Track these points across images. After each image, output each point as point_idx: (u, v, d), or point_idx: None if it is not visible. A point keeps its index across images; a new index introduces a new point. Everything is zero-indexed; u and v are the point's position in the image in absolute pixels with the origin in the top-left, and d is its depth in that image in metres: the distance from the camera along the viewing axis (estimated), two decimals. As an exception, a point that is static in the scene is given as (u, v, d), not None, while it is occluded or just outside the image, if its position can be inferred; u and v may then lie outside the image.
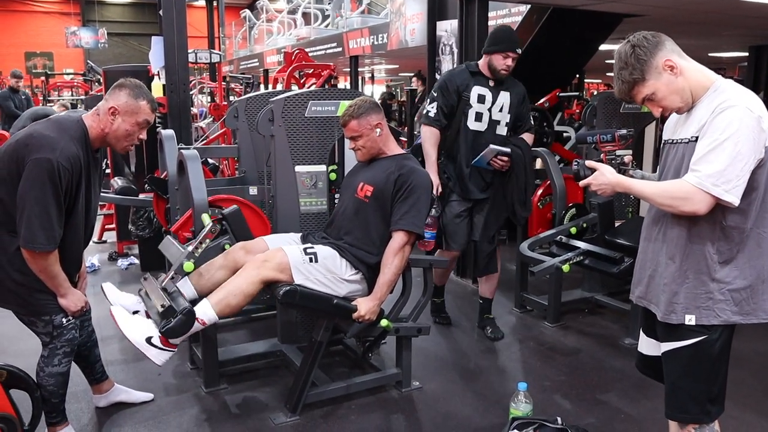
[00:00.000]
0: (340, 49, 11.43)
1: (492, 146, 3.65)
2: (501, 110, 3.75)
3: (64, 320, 2.58)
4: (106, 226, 6.25)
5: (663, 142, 2.20)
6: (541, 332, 4.16)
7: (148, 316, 2.78)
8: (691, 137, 1.98)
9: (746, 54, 9.48)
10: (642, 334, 2.33)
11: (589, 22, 5.96)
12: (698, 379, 2.06)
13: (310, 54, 11.61)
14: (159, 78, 5.36)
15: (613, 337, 4.03)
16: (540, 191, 4.53)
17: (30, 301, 2.51)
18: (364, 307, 2.85)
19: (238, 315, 4.20)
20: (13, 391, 2.58)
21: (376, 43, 10.07)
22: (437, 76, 5.32)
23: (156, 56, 5.32)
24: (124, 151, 2.74)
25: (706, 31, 7.32)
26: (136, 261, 5.54)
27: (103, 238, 6.28)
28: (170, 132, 3.89)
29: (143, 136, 2.68)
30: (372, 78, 20.57)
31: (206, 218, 2.98)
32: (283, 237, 3.14)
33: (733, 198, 1.88)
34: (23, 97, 10.28)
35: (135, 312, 2.82)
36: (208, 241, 2.86)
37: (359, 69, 13.00)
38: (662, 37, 2.01)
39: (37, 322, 2.57)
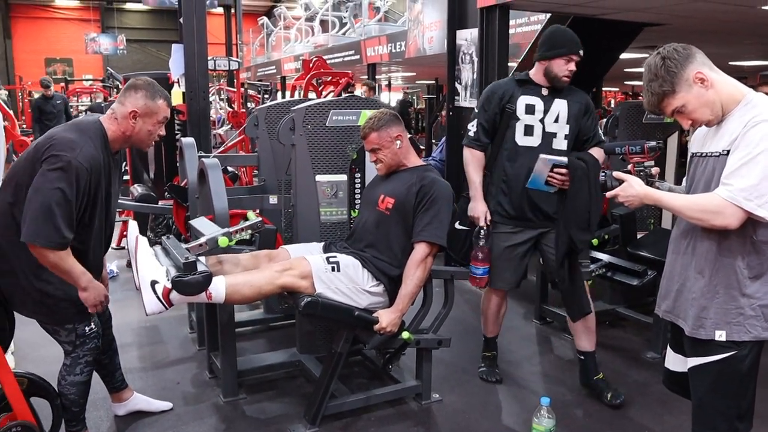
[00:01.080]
0: (357, 56, 11.46)
1: (543, 156, 3.14)
2: (557, 120, 3.21)
3: (87, 329, 2.58)
4: (125, 233, 6.27)
5: (690, 154, 2.17)
6: (561, 344, 4.11)
7: None
8: (722, 151, 1.96)
9: (768, 63, 9.39)
10: (669, 350, 2.30)
11: (610, 31, 5.91)
12: (726, 395, 2.03)
13: (327, 61, 11.66)
14: (179, 85, 5.39)
15: (635, 351, 3.97)
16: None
17: (54, 310, 2.51)
18: (386, 318, 2.83)
19: (257, 324, 4.23)
20: (34, 399, 2.59)
21: (394, 50, 10.08)
22: (456, 85, 5.31)
23: (176, 64, 5.35)
24: (147, 148, 2.77)
25: (727, 40, 7.25)
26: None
27: (122, 245, 6.30)
28: (191, 140, 3.90)
29: (163, 132, 2.70)
30: (389, 85, 20.63)
31: (252, 215, 3.06)
32: (305, 246, 3.14)
33: (766, 213, 1.86)
34: (58, 101, 10.47)
35: (128, 263, 2.78)
36: (249, 232, 2.85)
37: (376, 77, 13.04)
38: (693, 49, 1.99)
39: (61, 331, 2.56)
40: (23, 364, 3.42)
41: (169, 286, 2.52)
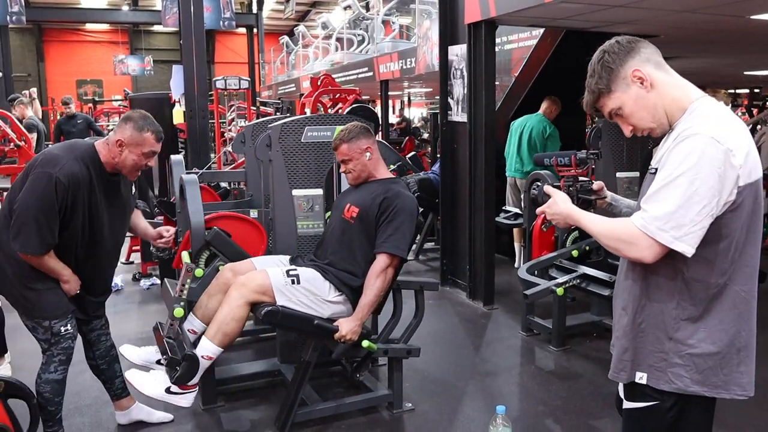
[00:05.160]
0: (371, 73, 11.62)
1: None
2: None
3: (62, 329, 2.76)
4: (133, 248, 6.46)
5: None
6: (544, 356, 4.13)
7: None
8: (651, 168, 1.71)
9: (783, 72, 9.29)
10: None
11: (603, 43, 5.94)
12: None
13: (343, 78, 11.84)
14: (180, 105, 5.58)
15: (617, 362, 3.96)
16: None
17: (35, 305, 2.72)
18: (346, 327, 2.90)
19: (246, 335, 4.32)
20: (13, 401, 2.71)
21: (404, 67, 10.20)
22: (449, 100, 5.38)
23: (177, 84, 5.56)
24: (133, 177, 2.93)
25: (733, 50, 7.19)
26: (158, 281, 5.72)
27: (131, 259, 6.49)
28: (178, 158, 4.04)
29: (151, 163, 2.86)
30: (408, 101, 20.78)
31: (185, 257, 3.15)
32: (271, 259, 3.24)
33: (685, 247, 1.56)
34: (80, 121, 10.16)
35: (158, 361, 3.02)
36: (188, 281, 2.97)
37: (395, 92, 13.15)
38: (640, 43, 1.71)
39: (38, 328, 2.76)
40: (20, 374, 3.55)
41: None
